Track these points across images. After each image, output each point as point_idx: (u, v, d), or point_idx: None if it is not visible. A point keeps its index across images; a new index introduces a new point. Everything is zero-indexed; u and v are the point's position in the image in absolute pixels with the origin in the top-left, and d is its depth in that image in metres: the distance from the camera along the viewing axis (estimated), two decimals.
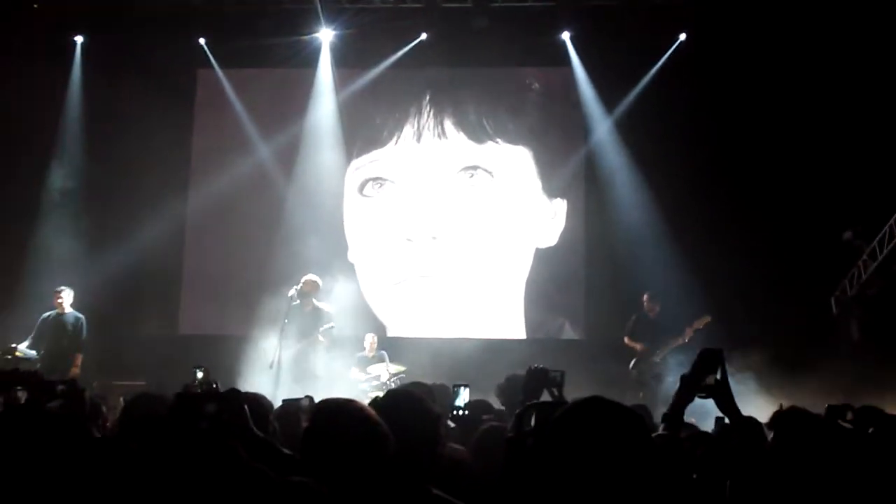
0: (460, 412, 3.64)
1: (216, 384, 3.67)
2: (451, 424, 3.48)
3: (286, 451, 2.44)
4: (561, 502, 1.48)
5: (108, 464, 2.13)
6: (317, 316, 7.93)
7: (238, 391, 2.60)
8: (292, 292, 7.79)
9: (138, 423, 2.84)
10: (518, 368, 3.87)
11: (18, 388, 3.00)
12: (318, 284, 8.10)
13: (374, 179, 9.92)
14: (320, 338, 7.78)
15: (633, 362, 8.26)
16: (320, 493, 1.76)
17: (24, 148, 9.11)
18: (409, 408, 2.07)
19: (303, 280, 8.00)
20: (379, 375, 8.11)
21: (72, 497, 1.92)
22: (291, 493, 1.78)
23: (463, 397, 3.72)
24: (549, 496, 1.51)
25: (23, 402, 3.02)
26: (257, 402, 2.78)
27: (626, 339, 8.41)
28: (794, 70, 8.74)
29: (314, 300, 8.01)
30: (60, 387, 3.02)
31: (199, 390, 3.46)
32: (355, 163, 9.98)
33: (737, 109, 8.89)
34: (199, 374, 3.68)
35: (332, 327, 7.89)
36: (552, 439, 1.54)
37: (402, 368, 8.16)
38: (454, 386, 3.78)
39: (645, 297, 8.42)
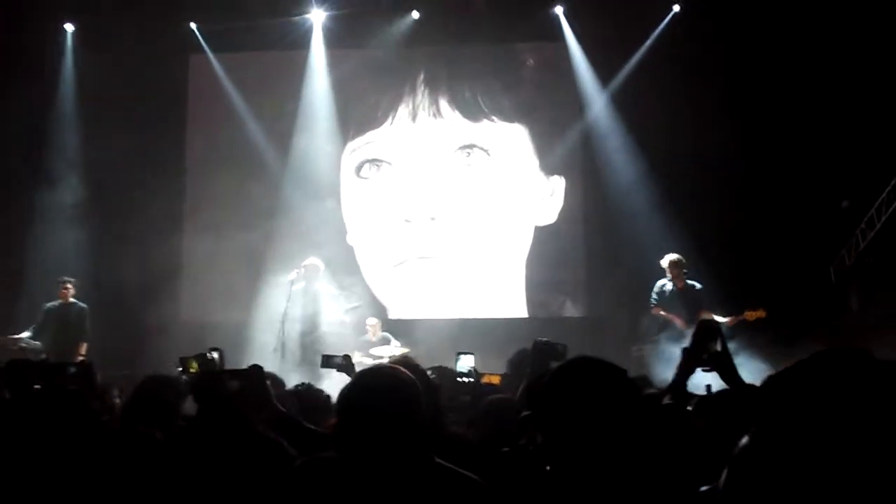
0: (465, 379, 3.68)
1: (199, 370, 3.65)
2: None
3: (309, 425, 2.49)
4: (560, 460, 1.54)
5: (114, 443, 2.16)
6: (321, 299, 7.99)
7: (261, 367, 2.64)
8: (293, 276, 7.84)
9: (147, 405, 2.88)
10: (523, 346, 3.92)
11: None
12: (319, 267, 8.17)
13: (371, 161, 9.90)
14: (346, 318, 7.89)
15: (656, 330, 7.63)
16: (336, 465, 1.78)
17: (19, 141, 9.07)
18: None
19: (304, 264, 8.08)
20: (383, 357, 8.15)
21: (78, 479, 1.94)
22: (307, 466, 1.80)
23: (464, 363, 3.76)
24: (550, 455, 1.56)
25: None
26: (273, 381, 2.83)
27: (655, 311, 7.68)
28: (788, 39, 8.69)
29: (316, 283, 8.06)
30: (72, 369, 3.03)
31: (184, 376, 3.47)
32: (351, 144, 9.95)
33: (732, 80, 8.85)
34: (215, 355, 3.66)
35: (358, 307, 8.02)
36: (545, 399, 1.61)
37: (405, 350, 8.19)
38: (458, 353, 3.82)
39: (669, 261, 7.69)
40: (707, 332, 2.48)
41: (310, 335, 7.81)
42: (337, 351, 7.49)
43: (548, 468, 1.58)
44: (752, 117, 8.85)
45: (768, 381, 1.00)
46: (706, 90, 8.77)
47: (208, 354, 3.72)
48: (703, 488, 1.26)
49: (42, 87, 9.55)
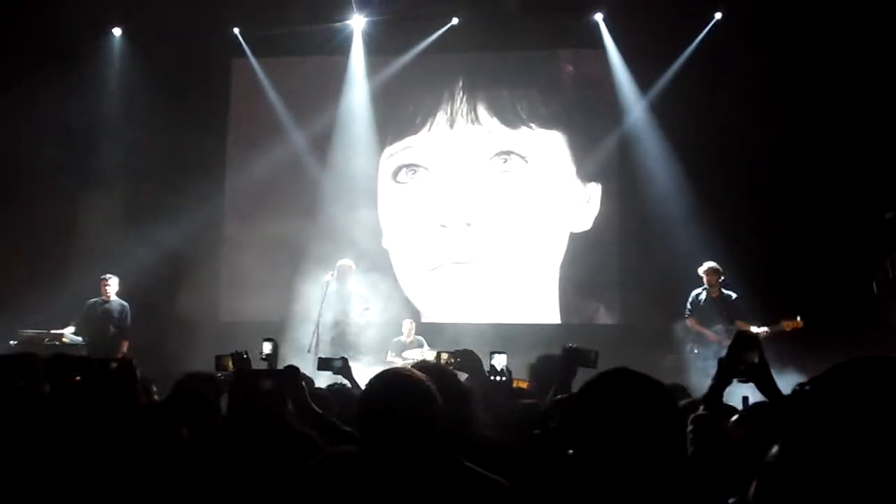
0: (499, 377, 3.70)
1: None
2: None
3: (346, 427, 2.51)
4: (586, 465, 1.53)
5: (153, 433, 2.21)
6: (352, 299, 8.08)
7: (297, 368, 2.67)
8: (328, 277, 7.95)
9: (185, 402, 2.94)
10: (547, 352, 3.90)
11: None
12: (352, 268, 8.27)
13: (408, 166, 9.96)
14: (359, 319, 7.96)
15: (689, 343, 7.57)
16: (363, 460, 1.81)
17: (64, 140, 9.30)
18: (441, 382, 2.09)
19: (338, 264, 8.20)
20: (415, 360, 8.18)
21: (116, 464, 2.00)
22: (334, 459, 1.83)
23: (497, 362, 3.77)
24: (576, 459, 1.56)
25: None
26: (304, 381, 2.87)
27: (690, 322, 7.62)
28: (830, 48, 8.53)
29: (349, 284, 8.16)
30: (113, 364, 3.09)
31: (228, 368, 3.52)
32: (389, 149, 10.02)
33: (774, 90, 8.72)
34: (268, 348, 3.71)
35: (368, 308, 8.06)
36: (579, 406, 1.60)
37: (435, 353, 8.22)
38: (491, 352, 3.84)
39: (706, 268, 7.57)
40: (745, 343, 2.45)
41: (339, 334, 7.91)
42: (357, 351, 7.60)
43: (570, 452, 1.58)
44: (793, 125, 8.70)
45: (797, 391, 0.99)
46: (746, 98, 8.66)
47: (266, 345, 3.75)
48: (731, 500, 1.25)
49: (89, 88, 9.77)
